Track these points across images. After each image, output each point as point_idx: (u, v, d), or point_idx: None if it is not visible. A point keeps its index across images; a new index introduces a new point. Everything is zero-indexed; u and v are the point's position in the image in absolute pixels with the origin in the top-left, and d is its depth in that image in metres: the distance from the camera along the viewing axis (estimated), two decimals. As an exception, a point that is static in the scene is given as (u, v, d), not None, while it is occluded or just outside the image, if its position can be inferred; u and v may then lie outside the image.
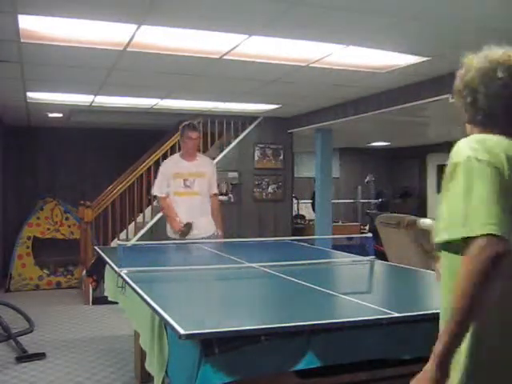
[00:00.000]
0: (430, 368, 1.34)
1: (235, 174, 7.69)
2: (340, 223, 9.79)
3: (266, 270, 3.23)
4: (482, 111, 1.53)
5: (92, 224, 6.99)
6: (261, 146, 7.91)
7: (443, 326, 1.40)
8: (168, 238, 4.88)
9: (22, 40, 3.86)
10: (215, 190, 5.06)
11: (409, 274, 3.46)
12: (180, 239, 4.74)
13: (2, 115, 7.64)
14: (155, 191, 5.04)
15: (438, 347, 1.33)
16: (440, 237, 1.40)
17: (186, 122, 5.03)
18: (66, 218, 7.77)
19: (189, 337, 1.82)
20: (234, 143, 7.70)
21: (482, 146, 1.41)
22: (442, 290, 1.53)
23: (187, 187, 4.86)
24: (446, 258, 1.50)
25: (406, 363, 2.11)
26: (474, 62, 1.55)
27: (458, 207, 1.36)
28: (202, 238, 4.72)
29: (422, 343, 2.10)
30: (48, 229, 7.64)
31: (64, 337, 5.10)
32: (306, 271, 3.31)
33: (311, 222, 9.12)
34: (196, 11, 3.31)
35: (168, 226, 4.97)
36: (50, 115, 7.60)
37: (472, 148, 1.41)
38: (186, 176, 4.87)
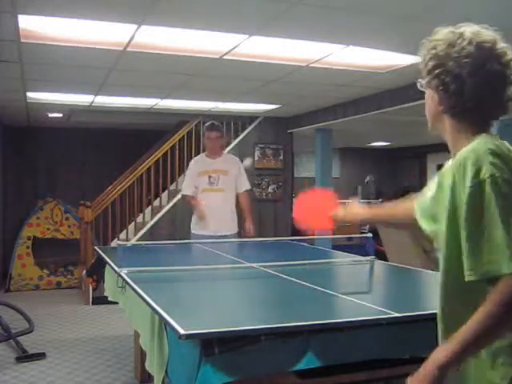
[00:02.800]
0: (429, 368, 1.33)
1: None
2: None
3: (265, 270, 3.23)
4: (467, 103, 1.41)
5: (92, 224, 6.99)
6: (261, 146, 7.92)
7: (444, 331, 1.39)
8: (192, 235, 5.01)
9: (21, 40, 3.86)
10: (246, 187, 5.18)
11: (409, 274, 3.46)
12: (200, 237, 4.83)
13: (2, 115, 7.64)
14: (184, 190, 5.20)
15: (448, 353, 1.30)
16: (483, 271, 1.27)
17: (208, 123, 5.27)
18: (66, 218, 7.77)
19: (189, 337, 1.82)
20: (234, 143, 7.70)
21: (501, 160, 1.30)
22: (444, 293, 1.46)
23: (212, 184, 5.02)
24: (456, 283, 1.39)
25: (405, 363, 2.11)
26: (456, 43, 1.40)
27: (499, 239, 1.25)
28: (225, 236, 4.82)
29: (422, 343, 2.10)
30: (48, 229, 7.64)
31: (64, 337, 5.10)
32: (306, 271, 3.31)
33: (311, 222, 9.09)
34: (196, 11, 3.31)
35: (192, 223, 5.11)
36: (50, 115, 7.60)
37: (493, 163, 1.29)
38: (211, 173, 5.03)
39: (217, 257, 4.03)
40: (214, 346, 1.81)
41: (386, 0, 3.11)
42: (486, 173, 1.28)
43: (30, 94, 6.08)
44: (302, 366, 1.92)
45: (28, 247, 7.41)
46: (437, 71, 1.43)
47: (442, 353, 1.31)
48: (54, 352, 4.60)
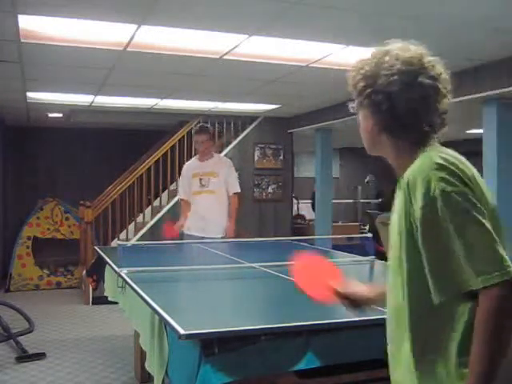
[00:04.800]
0: None
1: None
2: (340, 223, 9.79)
3: (265, 270, 3.23)
4: (400, 119, 1.37)
5: (92, 224, 6.99)
6: (261, 146, 7.92)
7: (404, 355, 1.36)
8: (183, 235, 5.03)
9: (21, 40, 3.86)
10: (235, 189, 5.17)
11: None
12: (192, 238, 4.87)
13: (2, 115, 7.65)
14: (180, 194, 5.34)
15: None
16: (450, 290, 1.25)
17: (196, 126, 5.34)
18: (66, 218, 7.78)
19: (189, 337, 1.82)
20: (234, 143, 7.70)
21: (449, 173, 1.26)
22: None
23: (203, 186, 5.06)
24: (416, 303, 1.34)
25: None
26: (383, 61, 1.39)
27: (459, 256, 1.22)
28: (215, 239, 4.84)
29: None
30: (48, 229, 7.64)
31: (64, 337, 5.10)
32: (306, 271, 3.30)
33: (311, 222, 9.12)
34: (196, 11, 3.31)
35: (186, 223, 5.13)
36: (50, 115, 7.60)
37: (441, 178, 1.25)
38: (201, 175, 5.07)
39: (217, 257, 4.03)
40: (214, 346, 1.81)
41: (386, 0, 3.11)
42: (435, 189, 1.24)
43: (29, 94, 6.08)
44: (302, 366, 1.92)
45: (28, 247, 7.41)
46: (367, 91, 1.41)
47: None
48: (53, 352, 4.61)
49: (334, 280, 1.79)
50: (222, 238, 4.97)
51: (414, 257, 1.31)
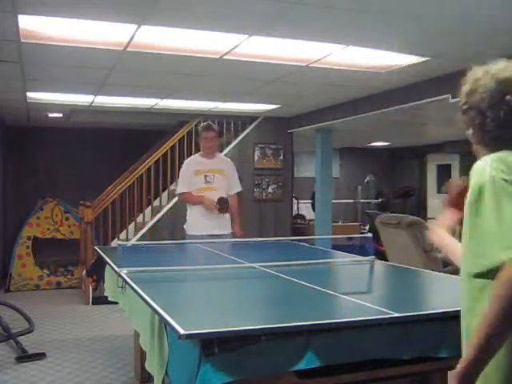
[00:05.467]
0: (451, 381, 1.36)
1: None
2: (340, 223, 9.79)
3: (265, 269, 3.23)
4: (490, 134, 1.51)
5: (92, 224, 6.99)
6: (261, 146, 7.92)
7: (467, 346, 1.40)
8: (187, 236, 5.00)
9: (21, 40, 3.86)
10: (238, 189, 5.22)
11: (409, 274, 3.46)
12: (196, 236, 4.82)
13: (2, 115, 7.65)
14: (180, 189, 5.18)
15: (465, 362, 1.34)
16: (479, 265, 1.36)
17: (204, 123, 5.30)
18: (66, 218, 7.78)
19: (189, 337, 1.82)
20: (234, 143, 7.70)
21: (504, 164, 1.39)
22: (464, 312, 1.52)
23: (208, 183, 5.03)
24: (468, 281, 1.47)
25: (405, 363, 2.11)
26: (481, 80, 1.51)
27: (491, 232, 1.33)
28: (221, 236, 4.86)
29: (422, 343, 2.11)
30: (48, 229, 7.64)
31: (64, 337, 5.10)
32: (306, 271, 3.31)
33: (311, 222, 9.11)
34: (196, 11, 3.31)
35: (187, 224, 5.10)
36: (50, 115, 7.60)
37: (494, 168, 1.38)
38: (206, 172, 5.04)
39: (217, 257, 4.03)
40: (214, 346, 1.81)
41: (386, 0, 3.11)
42: (487, 175, 1.37)
43: (29, 94, 6.08)
44: (302, 366, 1.91)
45: (28, 247, 7.41)
46: (464, 107, 1.56)
47: (460, 363, 1.34)
48: (54, 352, 4.60)
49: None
50: (231, 234, 5.01)
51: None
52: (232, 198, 5.13)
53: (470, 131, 1.58)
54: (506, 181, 1.35)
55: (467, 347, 1.37)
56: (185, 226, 5.14)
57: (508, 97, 1.46)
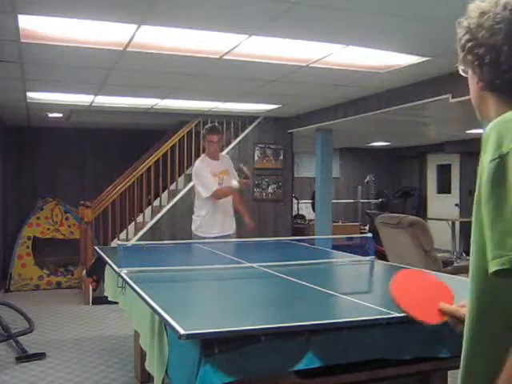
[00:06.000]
0: None
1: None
2: (340, 223, 9.79)
3: (265, 270, 3.23)
4: (505, 74, 1.24)
5: (92, 224, 6.99)
6: (261, 146, 7.92)
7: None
8: (195, 237, 5.04)
9: (22, 40, 3.86)
10: (237, 184, 5.23)
11: (409, 274, 3.45)
12: (207, 237, 4.87)
13: (2, 115, 7.64)
14: (211, 187, 4.98)
15: None
16: (504, 259, 1.02)
17: (208, 126, 5.33)
18: (66, 218, 7.77)
19: (189, 337, 1.82)
20: (233, 143, 7.70)
21: None
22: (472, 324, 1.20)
23: (220, 185, 5.08)
24: (480, 281, 1.17)
25: (405, 363, 2.11)
26: (490, 11, 1.24)
27: None
28: (229, 236, 4.96)
29: (422, 343, 2.10)
30: (48, 229, 7.64)
31: (64, 337, 5.10)
32: (306, 271, 3.31)
33: (311, 222, 9.12)
34: (196, 11, 3.31)
35: (198, 226, 5.08)
36: (50, 115, 7.60)
37: None
38: (218, 174, 5.11)
39: (217, 257, 4.03)
40: (214, 346, 1.81)
41: (386, 0, 3.11)
42: (509, 144, 1.08)
43: (30, 94, 6.08)
44: (302, 365, 1.92)
45: (28, 247, 7.41)
46: (469, 44, 1.28)
47: None
48: (54, 352, 4.60)
49: (443, 299, 1.56)
50: (235, 233, 5.09)
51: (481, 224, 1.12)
52: (234, 193, 5.17)
53: (475, 74, 1.32)
54: None
55: None
56: (193, 228, 5.12)
57: None
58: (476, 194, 1.16)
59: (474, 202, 1.17)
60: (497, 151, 1.09)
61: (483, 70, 1.27)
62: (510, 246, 1.02)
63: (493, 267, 1.04)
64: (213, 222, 5.01)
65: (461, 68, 1.37)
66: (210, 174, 5.05)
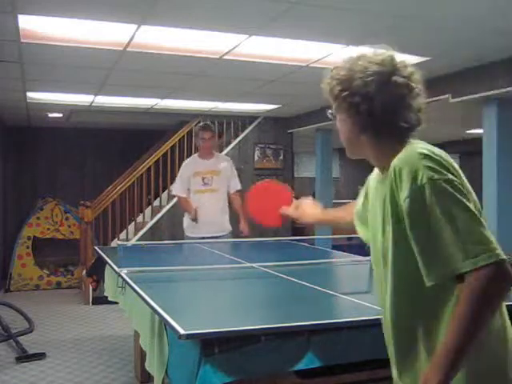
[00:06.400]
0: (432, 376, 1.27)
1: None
2: (340, 223, 9.76)
3: (265, 270, 3.23)
4: (377, 119, 1.40)
5: (92, 224, 6.99)
6: (261, 146, 7.92)
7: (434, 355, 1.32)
8: (186, 238, 5.04)
9: (22, 40, 3.86)
10: (238, 187, 5.22)
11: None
12: (196, 238, 4.86)
13: (2, 115, 7.65)
14: (176, 191, 5.22)
15: (445, 362, 1.25)
16: (441, 273, 1.28)
17: (200, 124, 5.30)
18: (66, 218, 7.77)
19: (189, 337, 1.82)
20: (233, 143, 7.70)
21: (436, 162, 1.30)
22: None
23: (206, 184, 5.04)
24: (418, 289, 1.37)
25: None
26: (358, 65, 1.42)
27: (448, 238, 1.25)
28: (219, 237, 4.89)
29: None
30: (48, 229, 7.64)
31: (64, 337, 5.10)
32: (306, 271, 3.31)
33: (311, 222, 9.09)
34: (196, 11, 3.31)
35: (185, 226, 5.12)
36: (50, 115, 7.60)
37: (428, 167, 1.29)
38: (204, 174, 5.05)
39: (217, 257, 4.03)
40: (214, 346, 1.81)
41: (386, 0, 3.11)
42: (422, 178, 1.28)
43: (30, 94, 6.08)
44: (302, 365, 1.91)
45: (28, 247, 7.41)
46: (344, 94, 1.44)
47: (432, 375, 1.26)
48: (54, 352, 4.60)
49: (284, 202, 1.97)
50: (230, 233, 5.05)
51: (400, 244, 1.36)
52: (233, 196, 5.14)
53: (350, 119, 1.46)
54: (444, 180, 1.27)
55: (436, 359, 1.28)
56: (184, 227, 5.16)
57: (394, 78, 1.39)
58: (393, 221, 1.37)
59: (392, 230, 1.38)
60: (413, 185, 1.29)
61: (358, 117, 1.43)
62: (439, 265, 1.27)
63: (429, 282, 1.30)
64: (201, 223, 4.94)
65: (329, 112, 1.55)
66: (186, 176, 5.07)
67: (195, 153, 5.57)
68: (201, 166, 5.06)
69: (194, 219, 4.93)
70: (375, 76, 1.39)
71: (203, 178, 5.03)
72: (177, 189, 5.20)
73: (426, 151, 1.33)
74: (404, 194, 1.31)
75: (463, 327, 1.23)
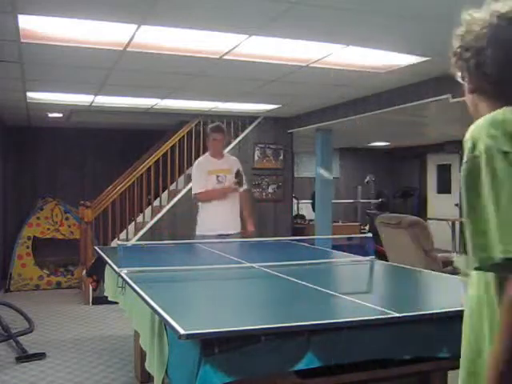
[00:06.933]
0: None
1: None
2: (340, 223, 9.79)
3: (265, 269, 3.23)
4: (489, 77, 1.26)
5: (92, 224, 6.99)
6: (261, 146, 7.91)
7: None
8: (196, 237, 5.04)
9: (22, 40, 3.86)
10: (245, 186, 5.29)
11: (409, 274, 3.46)
12: (208, 237, 4.86)
13: (2, 115, 7.64)
14: (196, 189, 5.18)
15: (494, 374, 1.11)
16: (478, 258, 1.14)
17: (212, 124, 5.39)
18: (66, 218, 7.77)
19: (189, 337, 1.82)
20: (234, 143, 7.70)
21: (502, 131, 1.15)
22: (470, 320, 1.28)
23: (220, 183, 5.13)
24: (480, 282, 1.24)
25: (406, 363, 2.11)
26: (477, 17, 1.28)
27: (489, 220, 1.10)
28: (230, 235, 4.96)
29: (422, 343, 2.11)
30: (48, 229, 7.64)
31: (64, 337, 5.10)
32: (306, 271, 3.31)
33: (311, 222, 9.12)
34: (196, 11, 3.31)
35: (199, 224, 5.13)
36: (50, 115, 7.60)
37: (491, 135, 1.15)
38: (218, 172, 5.15)
39: (217, 257, 4.03)
40: (214, 346, 1.81)
41: (386, 0, 3.11)
42: (481, 146, 1.15)
43: (30, 94, 6.08)
44: (302, 365, 1.92)
45: (28, 247, 7.41)
46: (459, 50, 1.33)
47: None
48: (54, 352, 4.60)
49: None
50: (239, 233, 5.09)
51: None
52: (241, 195, 5.20)
53: (465, 78, 1.35)
54: (503, 153, 1.13)
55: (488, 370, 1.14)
56: (198, 226, 5.17)
57: (508, 33, 1.24)
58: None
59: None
60: (470, 154, 1.18)
61: (470, 74, 1.32)
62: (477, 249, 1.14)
63: (472, 267, 1.15)
64: (214, 221, 5.01)
65: (458, 75, 1.40)
66: (203, 174, 5.10)
67: (195, 153, 5.60)
68: (214, 165, 5.16)
69: (232, 185, 5.04)
70: (489, 28, 1.26)
71: (217, 176, 5.12)
72: (196, 187, 5.17)
73: (500, 116, 1.19)
74: (462, 164, 1.20)
75: (508, 338, 1.08)
